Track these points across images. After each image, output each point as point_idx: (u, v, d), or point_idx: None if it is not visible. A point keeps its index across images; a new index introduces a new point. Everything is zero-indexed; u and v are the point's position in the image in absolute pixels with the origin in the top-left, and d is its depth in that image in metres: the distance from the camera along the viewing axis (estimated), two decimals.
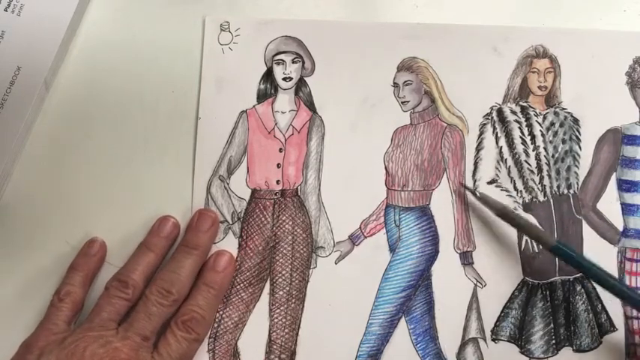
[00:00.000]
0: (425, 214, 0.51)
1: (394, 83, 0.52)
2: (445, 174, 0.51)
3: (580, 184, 0.51)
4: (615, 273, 0.50)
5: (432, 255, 0.50)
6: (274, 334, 0.49)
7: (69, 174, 0.50)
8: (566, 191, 0.51)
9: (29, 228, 0.49)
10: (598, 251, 0.50)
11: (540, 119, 0.51)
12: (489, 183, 0.51)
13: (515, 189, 0.51)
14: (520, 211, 0.51)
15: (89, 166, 0.51)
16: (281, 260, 0.50)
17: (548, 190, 0.51)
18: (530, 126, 0.51)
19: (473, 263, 0.50)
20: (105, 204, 0.50)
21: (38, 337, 0.45)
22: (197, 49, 0.52)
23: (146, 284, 0.47)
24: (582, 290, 0.50)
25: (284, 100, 0.52)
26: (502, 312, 0.49)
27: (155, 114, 0.51)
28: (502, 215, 0.48)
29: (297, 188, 0.51)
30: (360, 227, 0.50)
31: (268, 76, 0.52)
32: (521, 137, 0.51)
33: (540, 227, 0.48)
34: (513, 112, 0.51)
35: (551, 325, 0.49)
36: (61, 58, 0.51)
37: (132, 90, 0.51)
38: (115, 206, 0.50)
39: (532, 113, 0.51)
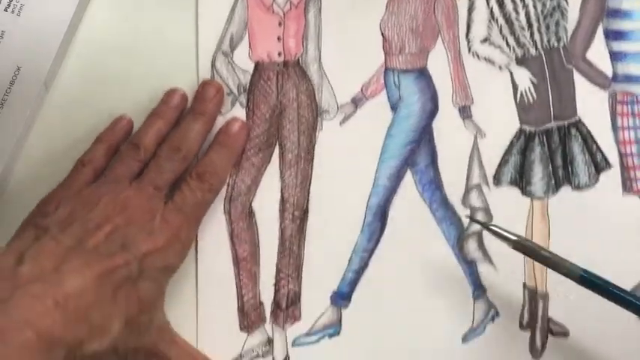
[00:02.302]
0: (423, 74, 0.53)
1: None
2: (440, 36, 0.53)
3: (569, 36, 0.53)
4: (608, 116, 0.52)
5: (432, 111, 0.52)
6: (286, 193, 0.51)
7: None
8: (556, 44, 0.53)
9: None
10: (590, 96, 0.52)
11: None
12: (483, 42, 0.53)
13: (508, 45, 0.53)
14: (514, 66, 0.53)
15: None
16: (288, 126, 0.52)
17: (539, 44, 0.53)
18: None
19: (472, 116, 0.52)
20: None
21: (57, 193, 0.47)
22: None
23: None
24: (577, 133, 0.52)
25: None
26: (502, 159, 0.51)
27: None
28: (519, 248, 0.45)
29: (298, 59, 0.53)
30: (361, 90, 0.52)
31: None
32: None
33: (563, 258, 0.45)
34: None
35: (550, 168, 0.51)
36: (61, 58, 0.51)
37: (132, 90, 0.51)
38: None
39: None
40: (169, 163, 0.47)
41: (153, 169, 0.47)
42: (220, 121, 0.52)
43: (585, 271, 0.44)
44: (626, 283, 0.50)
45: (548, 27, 0.53)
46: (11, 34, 0.49)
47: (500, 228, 0.46)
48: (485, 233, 0.50)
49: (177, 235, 0.45)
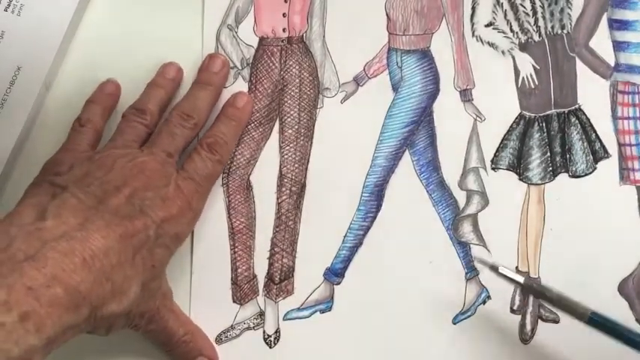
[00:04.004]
0: (426, 55, 0.53)
1: None
2: (444, 18, 0.53)
3: (573, 24, 0.53)
4: (608, 105, 0.52)
5: (433, 93, 0.52)
6: (285, 168, 0.52)
7: None
8: (560, 31, 0.53)
9: None
10: (591, 85, 0.52)
11: None
12: (487, 26, 0.53)
13: (512, 30, 0.53)
14: (517, 51, 0.53)
15: None
16: (289, 101, 0.52)
17: (542, 30, 0.53)
18: None
19: (472, 100, 0.52)
20: None
21: (64, 155, 0.46)
22: (198, 49, 0.52)
23: (161, 116, 0.49)
24: (577, 121, 0.52)
25: None
26: (501, 143, 0.52)
27: None
28: (528, 289, 0.47)
29: (302, 35, 0.53)
30: (363, 69, 0.53)
31: None
32: None
33: (572, 299, 0.45)
34: None
35: (548, 154, 0.52)
36: (61, 58, 0.51)
37: (132, 90, 0.51)
38: None
39: None
40: (180, 130, 0.48)
41: (164, 135, 0.47)
42: (224, 95, 0.52)
43: (594, 312, 0.44)
44: (617, 274, 0.50)
45: (552, 14, 0.53)
46: (11, 34, 0.49)
47: (508, 270, 0.46)
48: (480, 216, 0.51)
49: (189, 204, 0.45)
